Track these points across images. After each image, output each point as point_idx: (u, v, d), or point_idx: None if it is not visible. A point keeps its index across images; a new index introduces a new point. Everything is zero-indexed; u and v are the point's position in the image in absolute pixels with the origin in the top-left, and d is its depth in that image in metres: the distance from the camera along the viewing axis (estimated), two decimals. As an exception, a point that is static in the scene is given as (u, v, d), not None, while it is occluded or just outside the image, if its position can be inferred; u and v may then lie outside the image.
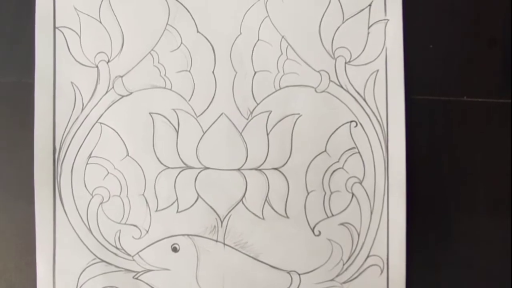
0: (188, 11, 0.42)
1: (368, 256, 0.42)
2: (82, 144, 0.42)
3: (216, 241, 0.42)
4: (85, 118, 0.42)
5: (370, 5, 0.42)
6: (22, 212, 0.42)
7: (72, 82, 0.42)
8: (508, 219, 0.43)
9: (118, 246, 0.42)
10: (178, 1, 0.42)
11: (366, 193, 0.42)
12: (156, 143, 0.42)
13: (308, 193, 0.42)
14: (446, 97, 0.43)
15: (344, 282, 0.42)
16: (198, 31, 0.42)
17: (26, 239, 0.42)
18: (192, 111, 0.42)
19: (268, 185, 0.42)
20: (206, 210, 0.42)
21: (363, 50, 0.42)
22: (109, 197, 0.42)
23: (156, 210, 0.42)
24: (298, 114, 0.42)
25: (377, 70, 0.42)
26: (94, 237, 0.42)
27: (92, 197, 0.42)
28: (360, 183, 0.42)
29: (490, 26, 0.43)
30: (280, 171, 0.42)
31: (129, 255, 0.42)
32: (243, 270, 0.42)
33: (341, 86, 0.42)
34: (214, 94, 0.42)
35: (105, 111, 0.42)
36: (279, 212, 0.42)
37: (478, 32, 0.43)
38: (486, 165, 0.43)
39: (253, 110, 0.42)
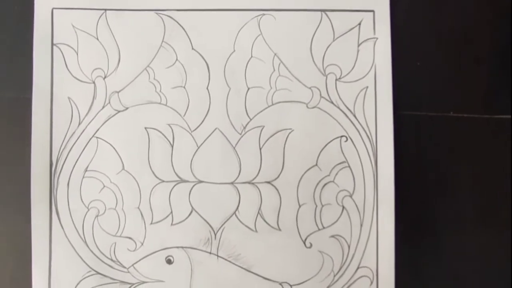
0: (183, 29, 0.43)
1: (358, 268, 0.43)
2: (78, 158, 0.43)
3: (210, 253, 0.43)
4: (81, 133, 0.43)
5: (359, 24, 0.44)
6: (18, 225, 0.42)
7: (69, 98, 0.43)
8: (494, 232, 0.44)
9: (114, 258, 0.42)
10: (174, 19, 0.43)
11: (356, 206, 0.43)
12: (151, 157, 0.43)
13: (300, 206, 0.43)
14: (433, 112, 0.44)
15: (335, 293, 0.43)
16: (193, 48, 0.43)
17: (22, 251, 0.42)
18: (187, 126, 0.43)
19: (261, 198, 0.43)
20: (200, 223, 0.43)
21: (353, 67, 0.44)
22: (105, 210, 0.43)
23: (151, 223, 0.43)
24: (290, 129, 0.43)
25: (367, 87, 0.43)
26: (90, 249, 0.42)
27: (88, 210, 0.43)
28: (350, 196, 0.43)
29: (476, 44, 0.45)
30: (272, 185, 0.43)
31: (124, 267, 0.42)
32: (236, 281, 0.43)
33: (332, 102, 0.43)
34: (208, 110, 0.43)
35: (102, 125, 0.43)
36: (271, 224, 0.43)
37: (464, 50, 0.45)
38: (472, 178, 0.44)
39: (246, 125, 0.43)
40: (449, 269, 0.44)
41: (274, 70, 0.43)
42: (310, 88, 0.43)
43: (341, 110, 0.43)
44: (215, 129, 0.43)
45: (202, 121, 0.43)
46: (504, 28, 0.45)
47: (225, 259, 0.43)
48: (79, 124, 0.43)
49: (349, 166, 0.43)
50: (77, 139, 0.43)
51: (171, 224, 0.43)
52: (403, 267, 0.43)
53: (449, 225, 0.44)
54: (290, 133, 0.43)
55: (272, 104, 0.43)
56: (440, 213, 0.44)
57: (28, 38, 0.43)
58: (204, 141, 0.43)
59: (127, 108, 0.43)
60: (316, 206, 0.43)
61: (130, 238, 0.43)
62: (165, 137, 0.43)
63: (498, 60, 0.45)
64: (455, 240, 0.44)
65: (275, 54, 0.43)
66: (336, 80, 0.43)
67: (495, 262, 0.44)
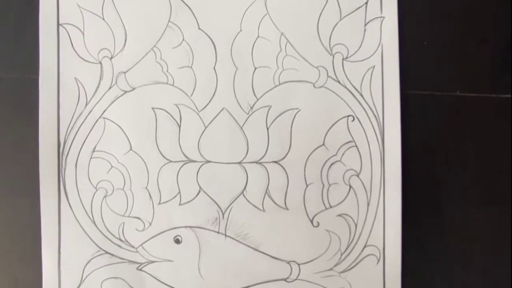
0: (190, 9, 0.43)
1: (365, 246, 0.43)
2: (86, 139, 0.43)
3: (218, 232, 0.43)
4: (88, 113, 0.43)
5: (366, 3, 0.43)
6: (27, 206, 0.43)
7: (76, 78, 0.43)
8: (500, 210, 0.45)
9: (122, 238, 0.43)
10: (180, -1, 0.43)
11: (363, 185, 0.43)
12: (159, 138, 0.43)
13: (307, 186, 0.43)
14: (439, 92, 0.44)
15: (342, 272, 0.43)
16: (199, 28, 0.43)
17: (31, 232, 0.43)
18: (194, 106, 0.43)
19: (268, 178, 0.43)
20: (208, 203, 0.43)
21: (359, 47, 0.43)
22: (113, 190, 0.43)
23: (159, 203, 0.43)
24: (297, 109, 0.43)
25: (373, 66, 0.43)
26: (98, 229, 0.43)
27: (96, 190, 0.43)
28: (357, 175, 0.43)
29: (482, 23, 0.45)
30: (279, 164, 0.43)
31: (132, 247, 0.43)
32: (244, 260, 0.43)
33: (339, 82, 0.43)
34: (215, 90, 0.43)
35: (109, 106, 0.43)
36: (279, 204, 0.43)
37: (471, 29, 0.45)
38: (478, 157, 0.44)
39: (253, 105, 0.43)
40: (455, 248, 0.44)
41: (281, 49, 0.43)
42: (317, 67, 0.43)
43: (348, 89, 0.43)
44: (222, 109, 0.43)
45: (209, 101, 0.43)
46: (510, 7, 0.45)
47: (233, 239, 0.43)
48: (86, 104, 0.43)
49: (356, 146, 0.43)
50: (85, 119, 0.43)
51: (179, 204, 0.43)
52: (409, 245, 0.43)
53: (455, 203, 0.44)
54: (297, 112, 0.43)
55: (279, 84, 0.43)
56: (446, 192, 0.44)
57: (34, 18, 0.43)
58: (212, 121, 0.43)
59: (134, 89, 0.43)
60: (323, 185, 0.43)
61: (138, 218, 0.43)
62: (172, 117, 0.43)
63: (504, 40, 0.45)
64: (461, 219, 0.44)
65: (282, 34, 0.43)
66: (343, 59, 0.43)
67: (500, 241, 0.45)
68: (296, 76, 0.43)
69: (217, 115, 0.43)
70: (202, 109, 0.43)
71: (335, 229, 0.43)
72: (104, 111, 0.43)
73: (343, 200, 0.43)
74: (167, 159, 0.43)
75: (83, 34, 0.43)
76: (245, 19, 0.43)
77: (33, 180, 0.42)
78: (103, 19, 0.43)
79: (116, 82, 0.43)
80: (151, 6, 0.43)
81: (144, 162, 0.43)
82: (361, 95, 0.43)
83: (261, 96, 0.43)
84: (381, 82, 0.43)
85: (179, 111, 0.43)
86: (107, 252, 0.43)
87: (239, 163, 0.43)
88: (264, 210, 0.43)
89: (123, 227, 0.43)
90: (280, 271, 0.43)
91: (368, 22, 0.44)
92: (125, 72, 0.43)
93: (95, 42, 0.43)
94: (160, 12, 0.43)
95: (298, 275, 0.43)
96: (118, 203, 0.43)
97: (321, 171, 0.43)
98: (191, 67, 0.43)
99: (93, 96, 0.43)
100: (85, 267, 0.42)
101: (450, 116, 0.44)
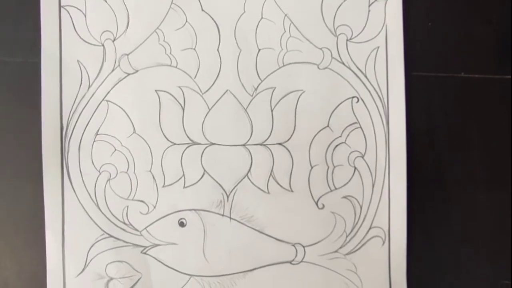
0: (193, -10, 0.43)
1: (370, 228, 0.43)
2: (89, 122, 0.42)
3: (223, 215, 0.43)
4: (91, 96, 0.42)
5: (370, -17, 0.43)
6: (31, 189, 0.42)
7: (78, 61, 0.42)
8: (505, 192, 0.44)
9: (126, 222, 0.42)
10: (183, -20, 0.43)
11: (368, 166, 0.43)
12: (163, 120, 0.43)
13: (312, 167, 0.43)
14: (444, 73, 0.44)
15: (347, 254, 0.43)
16: (202, 10, 0.43)
17: (35, 216, 0.42)
18: (198, 88, 0.43)
19: (273, 160, 0.43)
20: (212, 185, 0.43)
21: (364, 28, 0.43)
22: (117, 173, 0.43)
23: (163, 186, 0.43)
24: (302, 90, 0.43)
25: (378, 47, 0.43)
26: (102, 213, 0.42)
27: (100, 173, 0.42)
28: (362, 157, 0.43)
29: (487, 4, 0.44)
30: (284, 146, 0.43)
31: (137, 230, 0.43)
32: (249, 243, 0.43)
33: (343, 63, 0.43)
34: (219, 72, 0.43)
35: (112, 89, 0.42)
36: (283, 186, 0.43)
37: (475, 10, 0.44)
38: (483, 138, 0.44)
39: (257, 86, 0.43)
40: (460, 229, 0.44)
41: (284, 31, 0.43)
42: (321, 49, 0.43)
43: (352, 71, 0.43)
44: (226, 91, 0.43)
45: (213, 83, 0.43)
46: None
47: (238, 221, 0.43)
48: (89, 87, 0.42)
49: (360, 127, 0.43)
50: (87, 102, 0.42)
51: (183, 187, 0.43)
52: (414, 227, 0.43)
53: (459, 185, 0.44)
54: (301, 94, 0.43)
55: (283, 66, 0.43)
56: (451, 173, 0.44)
57: (35, 1, 0.42)
58: (215, 103, 0.43)
59: (137, 71, 0.42)
60: (328, 167, 0.43)
61: (142, 201, 0.43)
62: (176, 99, 0.43)
63: (509, 21, 0.45)
64: (466, 200, 0.44)
65: (286, 15, 0.43)
66: (347, 40, 0.43)
67: (505, 222, 0.44)
68: (300, 58, 0.43)
69: (221, 97, 0.43)
70: (206, 91, 0.43)
71: (340, 211, 0.43)
72: (107, 93, 0.42)
73: (348, 182, 0.43)
74: (171, 142, 0.43)
75: (85, 16, 0.42)
76: (248, 0, 0.43)
77: (37, 163, 0.42)
78: (105, 1, 0.42)
79: (119, 65, 0.42)
80: (154, -13, 0.43)
81: (148, 145, 0.42)
82: (366, 77, 0.43)
83: (265, 78, 0.43)
84: (386, 63, 0.43)
85: (183, 93, 0.43)
86: (111, 236, 0.42)
87: (244, 145, 0.43)
88: (268, 193, 0.43)
89: (127, 210, 0.42)
90: (285, 254, 0.43)
91: (372, 3, 0.43)
92: (128, 54, 0.42)
93: (98, 24, 0.42)
94: (163, -7, 0.43)
95: (303, 257, 0.43)
96: (122, 187, 0.42)
97: (326, 153, 0.43)
98: (194, 49, 0.43)
99: (95, 78, 0.42)
100: (89, 250, 0.42)
101: (455, 97, 0.44)
